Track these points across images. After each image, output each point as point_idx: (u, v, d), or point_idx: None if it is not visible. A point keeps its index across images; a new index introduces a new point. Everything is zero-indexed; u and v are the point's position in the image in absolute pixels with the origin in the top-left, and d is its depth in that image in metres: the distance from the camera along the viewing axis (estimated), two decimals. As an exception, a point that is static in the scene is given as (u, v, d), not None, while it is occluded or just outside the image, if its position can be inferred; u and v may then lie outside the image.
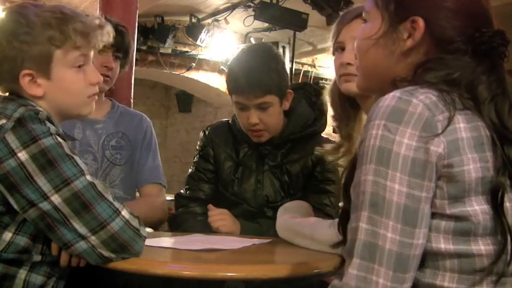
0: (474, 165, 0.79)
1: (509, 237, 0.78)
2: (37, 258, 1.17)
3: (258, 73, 1.65)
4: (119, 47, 1.80)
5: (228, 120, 1.88)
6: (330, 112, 1.52)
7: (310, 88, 1.86)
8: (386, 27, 0.94)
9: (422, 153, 0.77)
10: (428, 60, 0.89)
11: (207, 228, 1.71)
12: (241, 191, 1.76)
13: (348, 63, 1.40)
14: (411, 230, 0.77)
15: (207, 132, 1.86)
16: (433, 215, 0.80)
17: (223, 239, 1.47)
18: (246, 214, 1.74)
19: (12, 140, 1.08)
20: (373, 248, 0.78)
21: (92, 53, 1.27)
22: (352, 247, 0.80)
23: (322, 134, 1.82)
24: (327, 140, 1.78)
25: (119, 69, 1.87)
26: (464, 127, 0.80)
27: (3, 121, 1.10)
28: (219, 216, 1.67)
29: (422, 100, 0.79)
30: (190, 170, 1.87)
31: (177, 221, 1.80)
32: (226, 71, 1.79)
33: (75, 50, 1.22)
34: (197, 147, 1.89)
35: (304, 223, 1.46)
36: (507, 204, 0.80)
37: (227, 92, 5.23)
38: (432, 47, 0.89)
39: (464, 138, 0.79)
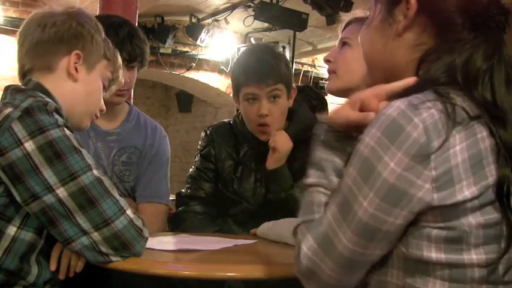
0: (470, 190, 0.76)
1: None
2: (34, 271, 1.16)
3: (268, 62, 1.70)
4: (132, 58, 1.71)
5: (230, 121, 1.89)
6: None
7: (310, 91, 1.89)
8: (382, 13, 0.94)
9: (404, 183, 0.76)
10: (423, 57, 0.87)
11: (207, 228, 1.72)
12: (241, 190, 1.77)
13: (327, 60, 1.44)
14: (366, 244, 0.80)
15: (208, 132, 1.87)
16: (424, 226, 0.79)
17: (206, 240, 1.46)
18: (245, 212, 1.76)
19: (18, 129, 1.07)
20: (329, 241, 0.82)
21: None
22: (317, 225, 0.85)
23: None
24: None
25: (136, 73, 1.77)
26: (461, 148, 0.77)
27: (10, 109, 1.09)
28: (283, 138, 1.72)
29: (423, 120, 0.76)
30: (191, 170, 1.87)
31: (177, 219, 1.81)
32: (233, 68, 1.82)
33: (110, 72, 1.36)
34: (198, 147, 1.89)
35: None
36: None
37: (227, 92, 5.22)
38: (428, 26, 0.88)
39: (460, 162, 0.76)
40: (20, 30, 1.29)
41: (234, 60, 1.83)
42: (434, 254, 0.78)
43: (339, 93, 1.45)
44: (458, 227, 0.77)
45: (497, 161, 0.78)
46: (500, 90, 0.82)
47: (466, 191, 0.76)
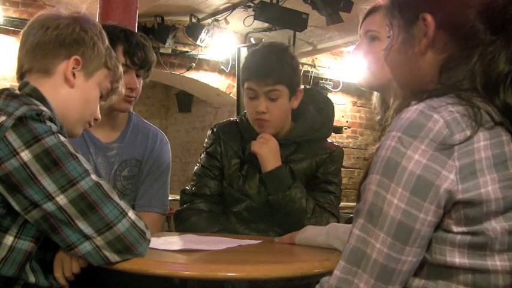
0: (493, 187, 0.75)
1: None
2: (32, 279, 1.15)
3: (271, 61, 1.71)
4: (143, 65, 1.71)
5: (236, 119, 1.91)
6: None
7: (318, 94, 1.91)
8: (402, 35, 0.92)
9: (430, 174, 0.75)
10: (444, 63, 0.86)
11: (211, 226, 1.74)
12: (246, 188, 1.77)
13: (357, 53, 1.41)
14: (401, 246, 0.77)
15: (215, 130, 1.88)
16: (448, 231, 0.78)
17: (210, 240, 1.46)
18: (249, 210, 1.77)
19: (13, 139, 1.06)
20: (360, 254, 0.79)
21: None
22: (344, 250, 0.82)
23: (327, 140, 1.86)
24: (332, 145, 1.83)
25: (142, 82, 1.76)
26: (485, 145, 0.76)
27: (3, 118, 1.07)
28: (261, 140, 1.73)
29: (443, 116, 0.76)
30: (196, 167, 1.88)
31: (182, 216, 1.81)
32: (243, 61, 1.83)
33: (109, 82, 1.34)
34: (204, 145, 1.90)
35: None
36: None
37: (227, 92, 5.25)
38: (449, 39, 0.86)
39: (483, 158, 0.76)
40: (23, 30, 1.29)
41: (247, 53, 1.83)
42: (457, 259, 0.78)
43: (372, 88, 1.44)
44: (483, 233, 0.76)
45: None
46: None
47: (489, 187, 0.75)
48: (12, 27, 4.88)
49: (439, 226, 0.78)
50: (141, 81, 1.75)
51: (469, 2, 0.84)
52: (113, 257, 1.11)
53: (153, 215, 1.74)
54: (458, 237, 0.77)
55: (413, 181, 0.76)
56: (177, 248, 1.28)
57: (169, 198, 1.89)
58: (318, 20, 4.93)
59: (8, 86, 1.25)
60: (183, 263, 1.18)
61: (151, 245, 1.19)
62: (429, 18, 0.87)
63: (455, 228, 0.77)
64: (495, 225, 0.76)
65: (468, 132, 0.76)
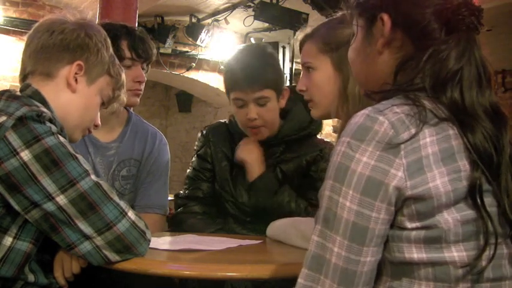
0: (442, 180, 0.77)
1: (493, 239, 0.78)
2: (31, 278, 1.16)
3: (254, 68, 1.69)
4: (147, 57, 1.73)
5: (226, 121, 1.89)
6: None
7: None
8: (362, 33, 0.95)
9: (379, 174, 0.77)
10: (400, 62, 0.88)
11: (207, 227, 1.73)
12: (237, 192, 1.76)
13: (300, 90, 1.43)
14: (358, 248, 0.78)
15: (204, 132, 1.87)
16: (403, 228, 0.80)
17: (211, 240, 1.46)
18: (243, 212, 1.75)
19: (13, 138, 1.06)
20: (320, 260, 0.80)
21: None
22: (305, 257, 0.83)
23: (317, 136, 1.84)
24: (322, 141, 1.81)
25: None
26: (431, 141, 0.79)
27: (4, 118, 1.08)
28: (247, 147, 1.73)
29: (389, 118, 0.79)
30: (188, 171, 1.87)
31: (177, 220, 1.80)
32: (224, 70, 1.81)
33: (111, 89, 1.35)
34: (195, 148, 1.90)
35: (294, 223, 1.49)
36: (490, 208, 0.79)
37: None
38: (405, 39, 0.89)
39: (430, 154, 0.78)
40: (28, 32, 1.29)
41: (225, 62, 1.82)
42: (416, 255, 0.79)
43: (322, 117, 1.47)
44: (436, 226, 0.78)
45: (468, 160, 0.79)
46: (470, 92, 0.83)
47: (438, 181, 0.77)
48: (12, 27, 4.86)
49: (393, 224, 0.80)
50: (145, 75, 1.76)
51: (424, 2, 0.87)
52: (113, 256, 1.11)
53: (153, 216, 1.74)
54: (413, 232, 0.79)
55: (363, 182, 0.78)
56: (177, 248, 1.28)
57: (169, 198, 1.89)
58: (318, 20, 4.91)
59: (8, 87, 1.25)
60: (183, 263, 1.18)
61: (151, 245, 1.19)
62: (386, 17, 0.89)
63: (408, 225, 0.79)
64: (447, 217, 0.78)
65: (413, 130, 0.78)
